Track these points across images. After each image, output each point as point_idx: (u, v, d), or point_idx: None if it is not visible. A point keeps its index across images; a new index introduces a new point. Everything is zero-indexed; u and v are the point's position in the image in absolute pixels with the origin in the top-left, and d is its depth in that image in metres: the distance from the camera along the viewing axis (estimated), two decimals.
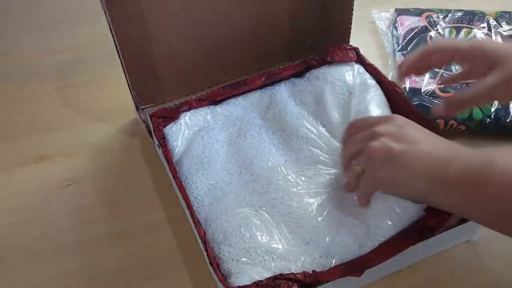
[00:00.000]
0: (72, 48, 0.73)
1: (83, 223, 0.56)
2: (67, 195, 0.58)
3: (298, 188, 0.53)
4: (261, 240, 0.48)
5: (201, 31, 0.59)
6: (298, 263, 0.47)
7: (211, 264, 0.47)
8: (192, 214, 0.50)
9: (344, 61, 0.61)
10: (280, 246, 0.48)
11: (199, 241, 0.49)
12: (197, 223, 0.49)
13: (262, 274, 0.46)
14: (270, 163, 0.55)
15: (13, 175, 0.60)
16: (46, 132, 0.65)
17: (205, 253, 0.48)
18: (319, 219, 0.50)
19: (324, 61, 0.62)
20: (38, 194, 0.58)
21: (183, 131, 0.57)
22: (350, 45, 0.63)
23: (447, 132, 0.63)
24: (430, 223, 0.48)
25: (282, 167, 0.55)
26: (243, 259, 0.47)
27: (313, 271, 0.46)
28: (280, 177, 0.54)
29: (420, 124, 0.49)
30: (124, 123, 0.65)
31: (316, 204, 0.51)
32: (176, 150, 0.56)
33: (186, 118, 0.58)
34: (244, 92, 0.61)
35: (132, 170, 0.61)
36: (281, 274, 0.46)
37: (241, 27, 0.62)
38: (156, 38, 0.57)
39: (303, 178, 0.54)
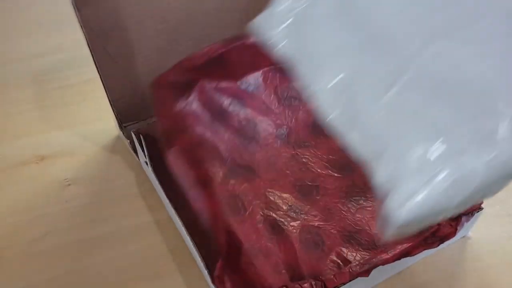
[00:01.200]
0: (72, 48, 0.74)
1: (83, 223, 0.56)
2: (67, 195, 0.58)
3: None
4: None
5: (180, 43, 0.59)
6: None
7: (213, 282, 0.45)
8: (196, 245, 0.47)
9: None
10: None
11: (201, 262, 0.47)
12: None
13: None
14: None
15: (13, 175, 0.60)
16: (46, 132, 0.65)
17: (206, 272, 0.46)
18: None
19: None
20: (38, 194, 0.59)
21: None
22: None
23: None
24: (444, 232, 0.47)
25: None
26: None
27: (320, 278, 0.45)
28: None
29: None
30: None
31: None
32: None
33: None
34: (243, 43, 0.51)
35: (133, 170, 0.61)
36: (286, 286, 0.45)
37: (220, 36, 0.61)
38: (135, 53, 0.56)
39: None
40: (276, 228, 0.52)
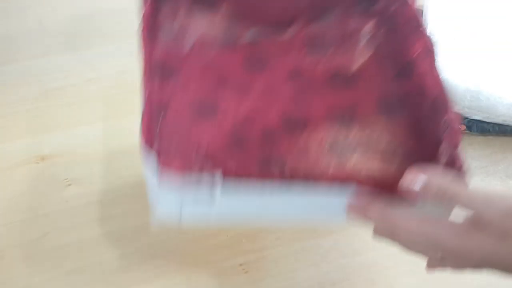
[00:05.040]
0: (72, 48, 0.73)
1: (83, 223, 0.56)
2: (67, 195, 0.58)
3: None
4: None
5: None
6: None
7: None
8: None
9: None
10: None
11: None
12: None
13: None
14: None
15: (13, 175, 0.60)
16: (46, 132, 0.65)
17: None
18: None
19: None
20: (38, 194, 0.58)
21: None
22: None
23: None
24: None
25: None
26: None
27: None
28: None
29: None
30: (125, 123, 0.65)
31: None
32: None
33: None
34: None
35: (132, 170, 0.61)
36: None
37: None
38: None
39: None
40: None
